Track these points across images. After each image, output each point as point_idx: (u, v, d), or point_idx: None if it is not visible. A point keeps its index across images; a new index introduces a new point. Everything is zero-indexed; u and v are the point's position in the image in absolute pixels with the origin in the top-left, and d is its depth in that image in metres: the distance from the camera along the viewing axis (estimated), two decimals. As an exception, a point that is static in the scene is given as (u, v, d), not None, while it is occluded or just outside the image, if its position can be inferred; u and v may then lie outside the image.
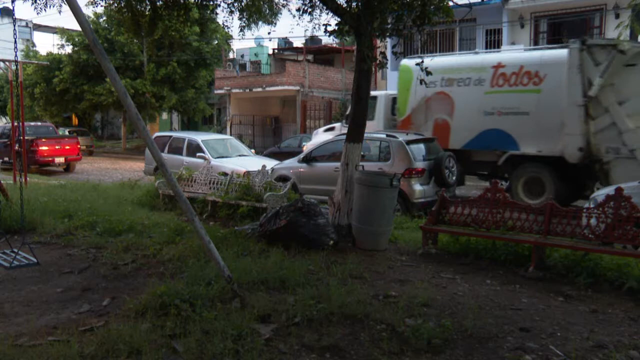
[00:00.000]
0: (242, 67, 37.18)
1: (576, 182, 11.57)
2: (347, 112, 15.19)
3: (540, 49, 12.97)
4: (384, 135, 10.46)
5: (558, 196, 10.79)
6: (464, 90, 12.79)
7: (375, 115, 14.62)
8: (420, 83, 7.05)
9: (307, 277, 5.30)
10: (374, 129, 14.02)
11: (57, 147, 19.33)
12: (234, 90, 29.92)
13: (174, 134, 15.37)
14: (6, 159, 18.46)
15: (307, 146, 16.55)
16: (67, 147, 19.63)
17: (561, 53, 11.39)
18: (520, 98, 11.90)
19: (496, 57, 12.73)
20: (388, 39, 10.57)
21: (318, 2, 7.51)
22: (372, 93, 14.04)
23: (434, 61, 12.58)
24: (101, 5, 8.72)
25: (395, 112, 14.34)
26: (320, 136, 16.70)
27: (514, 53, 12.94)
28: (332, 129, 16.80)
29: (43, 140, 19.10)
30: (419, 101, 13.41)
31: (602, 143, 10.63)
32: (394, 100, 14.54)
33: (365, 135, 7.66)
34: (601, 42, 11.21)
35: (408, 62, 13.84)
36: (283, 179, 10.36)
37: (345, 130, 15.26)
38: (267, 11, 9.78)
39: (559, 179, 11.36)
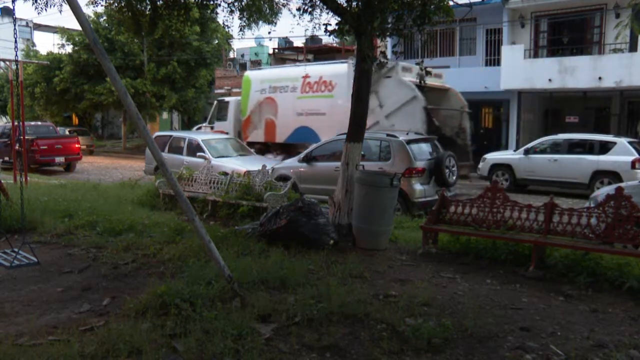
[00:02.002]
0: (243, 66, 37.18)
1: None
2: (211, 114, 19.29)
3: (333, 63, 16.16)
4: (384, 135, 10.47)
5: None
6: (284, 96, 15.97)
7: (227, 117, 18.05)
8: (420, 83, 7.05)
9: (307, 276, 5.30)
10: (227, 128, 17.77)
11: (57, 146, 19.32)
12: (234, 90, 29.90)
13: (174, 134, 15.37)
14: (6, 158, 18.45)
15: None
16: (68, 147, 19.63)
17: (344, 66, 14.45)
18: (319, 102, 14.94)
19: (305, 69, 16.07)
20: (388, 39, 10.61)
21: (318, 2, 7.50)
22: (225, 99, 18.80)
23: (264, 72, 17.20)
24: (101, 5, 8.69)
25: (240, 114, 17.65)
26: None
27: (317, 66, 16.34)
28: (200, 128, 19.81)
29: (43, 139, 19.10)
30: (255, 105, 16.77)
31: None
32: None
33: (365, 135, 7.67)
34: None
35: (249, 73, 17.60)
36: (283, 178, 10.36)
37: (207, 129, 18.38)
38: (268, 11, 9.76)
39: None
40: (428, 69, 7.02)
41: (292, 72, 16.36)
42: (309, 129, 15.15)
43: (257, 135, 16.72)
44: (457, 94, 14.85)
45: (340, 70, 14.67)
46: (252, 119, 17.03)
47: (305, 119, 15.44)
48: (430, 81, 13.75)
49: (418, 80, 12.81)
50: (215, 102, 18.99)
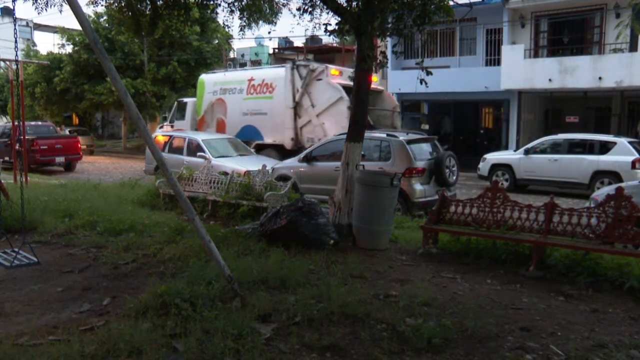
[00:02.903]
0: (243, 66, 37.17)
1: None
2: (172, 113, 20.72)
3: (274, 67, 18.31)
4: (384, 135, 10.47)
5: None
6: (232, 97, 17.48)
7: (186, 116, 19.46)
8: (421, 83, 7.03)
9: (307, 276, 5.30)
10: (185, 126, 19.05)
11: (57, 146, 19.33)
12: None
13: (175, 134, 15.38)
14: (7, 158, 18.45)
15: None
16: (68, 147, 19.65)
17: (282, 70, 16.09)
18: (262, 103, 16.53)
19: (250, 73, 17.70)
20: (388, 39, 10.60)
21: (318, 2, 7.50)
22: (184, 100, 20.49)
23: (216, 76, 18.52)
24: (102, 5, 8.70)
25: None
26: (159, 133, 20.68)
27: (260, 70, 18.21)
28: (162, 126, 21.30)
29: (43, 139, 19.11)
30: (207, 106, 18.25)
31: (305, 134, 15.29)
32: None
33: (365, 134, 7.66)
34: (303, 63, 16.13)
35: (203, 76, 19.05)
36: (283, 178, 10.36)
37: (167, 129, 19.51)
38: (268, 10, 9.76)
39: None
40: (429, 69, 7.01)
41: (239, 75, 18.01)
42: (254, 127, 16.71)
43: (210, 132, 18.09)
44: (390, 95, 16.71)
45: (279, 74, 16.21)
46: (205, 119, 18.46)
47: (250, 119, 16.88)
48: None
49: (348, 82, 14.39)
50: (176, 102, 20.51)
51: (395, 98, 23.08)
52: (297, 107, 15.58)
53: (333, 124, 14.35)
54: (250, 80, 17.11)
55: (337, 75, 15.19)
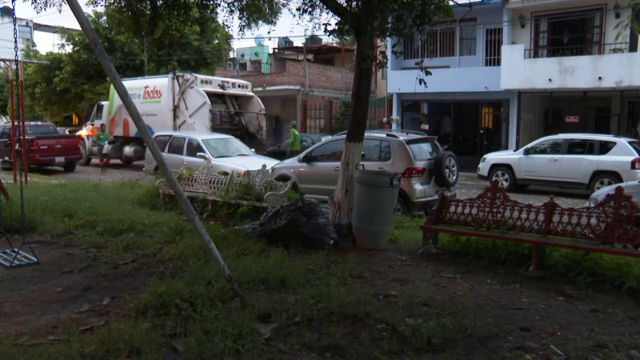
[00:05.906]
0: (243, 66, 37.19)
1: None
2: (93, 114, 23.08)
3: (161, 76, 21.26)
4: (384, 135, 10.47)
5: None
6: (134, 102, 19.04)
7: (102, 117, 22.59)
8: (420, 83, 7.02)
9: (307, 276, 5.30)
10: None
11: (57, 146, 19.34)
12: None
13: (175, 133, 15.39)
14: (6, 158, 18.45)
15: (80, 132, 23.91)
16: (68, 147, 19.67)
17: (166, 79, 19.60)
18: (153, 106, 19.93)
19: (146, 81, 21.04)
20: (388, 39, 10.61)
21: (318, 2, 7.50)
22: (102, 102, 23.79)
23: (123, 83, 20.65)
24: (101, 5, 8.72)
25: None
26: (83, 130, 24.04)
27: (152, 79, 21.26)
28: (86, 125, 24.05)
29: (43, 139, 19.12)
30: (117, 108, 21.36)
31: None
32: None
33: (365, 134, 7.66)
34: (181, 74, 19.52)
35: None
36: (283, 178, 10.36)
37: (90, 127, 23.30)
38: (267, 10, 9.76)
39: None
40: (426, 68, 7.00)
41: (138, 83, 21.06)
42: (149, 126, 19.14)
43: (119, 131, 21.63)
44: (258, 100, 20.16)
45: (164, 83, 19.59)
46: (115, 119, 21.80)
47: (145, 119, 19.61)
48: (236, 91, 20.04)
49: (217, 89, 19.12)
50: (96, 104, 23.61)
51: (395, 98, 23.38)
52: (176, 110, 19.10)
53: (200, 124, 18.04)
54: (146, 87, 20.44)
55: (207, 84, 18.96)
